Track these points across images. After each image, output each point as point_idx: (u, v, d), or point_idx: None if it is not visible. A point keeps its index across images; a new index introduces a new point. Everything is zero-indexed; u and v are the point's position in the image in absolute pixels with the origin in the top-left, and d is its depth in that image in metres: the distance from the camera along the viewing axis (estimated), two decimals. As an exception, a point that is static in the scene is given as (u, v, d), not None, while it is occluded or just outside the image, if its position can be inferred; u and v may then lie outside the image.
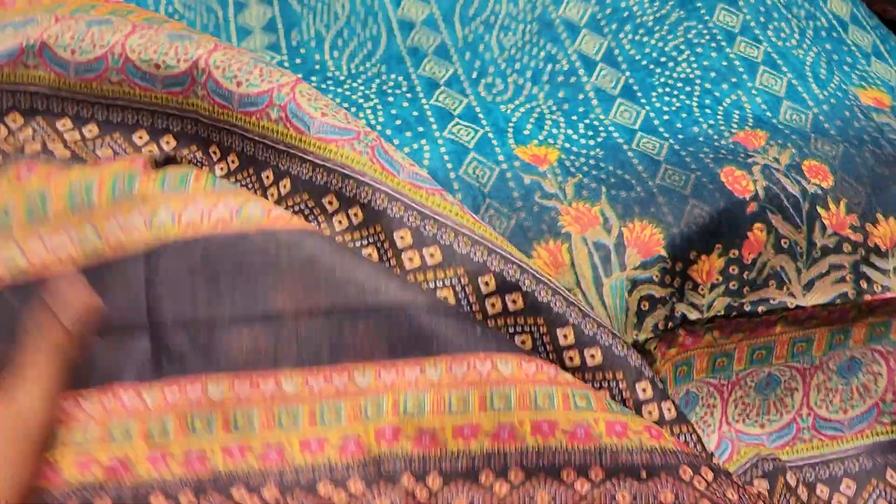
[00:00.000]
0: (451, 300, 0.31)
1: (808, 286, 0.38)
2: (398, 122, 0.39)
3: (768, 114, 0.42)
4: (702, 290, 0.37)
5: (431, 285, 0.31)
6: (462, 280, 0.31)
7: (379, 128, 0.39)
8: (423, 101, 0.41)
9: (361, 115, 0.40)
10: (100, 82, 0.36)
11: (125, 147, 0.37)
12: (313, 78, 0.42)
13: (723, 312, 0.37)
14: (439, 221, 0.32)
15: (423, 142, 0.38)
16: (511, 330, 0.32)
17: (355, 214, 0.32)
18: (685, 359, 0.37)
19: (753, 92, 0.43)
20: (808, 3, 0.49)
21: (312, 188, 0.33)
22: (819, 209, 0.38)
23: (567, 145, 0.39)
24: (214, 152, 0.36)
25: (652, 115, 0.41)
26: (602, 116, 0.41)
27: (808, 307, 0.38)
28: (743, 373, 0.39)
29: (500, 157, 0.38)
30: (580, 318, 0.31)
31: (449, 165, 0.37)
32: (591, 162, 0.38)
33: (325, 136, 0.32)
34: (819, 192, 0.38)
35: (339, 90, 0.41)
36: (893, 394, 0.40)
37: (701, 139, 0.39)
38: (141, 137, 0.37)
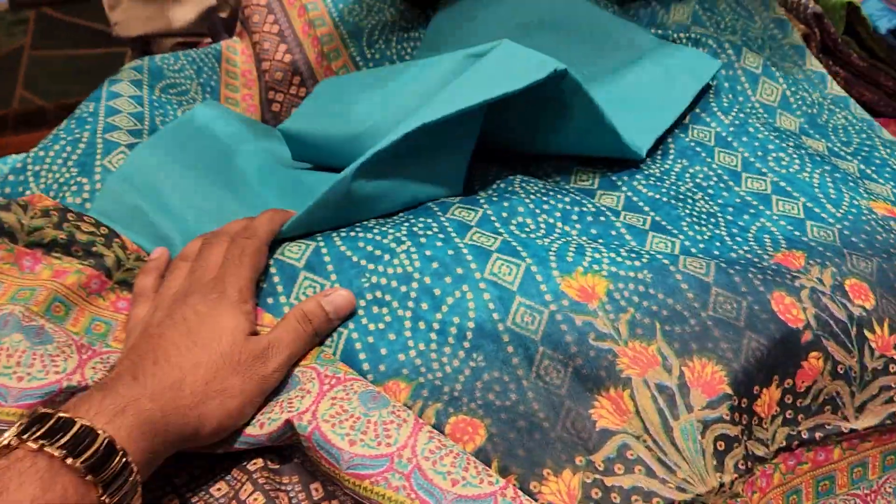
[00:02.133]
0: None
1: (860, 409, 0.38)
2: (434, 264, 0.38)
3: (797, 233, 0.42)
4: (765, 424, 0.36)
5: None
6: None
7: (417, 275, 0.38)
8: (457, 240, 0.40)
9: (396, 261, 0.38)
10: None
11: None
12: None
13: (784, 444, 0.36)
14: None
15: (465, 287, 0.37)
16: None
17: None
18: (766, 503, 0.36)
19: (775, 217, 0.43)
20: (793, 137, 0.50)
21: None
22: (866, 332, 0.38)
23: (613, 269, 0.38)
24: None
25: (687, 243, 0.41)
26: (639, 248, 0.41)
27: (861, 430, 0.38)
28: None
29: (548, 297, 0.37)
30: None
31: (496, 316, 0.36)
32: (641, 289, 0.37)
33: (356, 471, 0.30)
34: (864, 313, 0.38)
35: (369, 236, 0.40)
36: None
37: (742, 262, 0.39)
38: None
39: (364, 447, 0.31)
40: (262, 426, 0.33)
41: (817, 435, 0.37)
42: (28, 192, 0.46)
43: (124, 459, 0.28)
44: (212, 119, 0.52)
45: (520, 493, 0.31)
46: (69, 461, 0.27)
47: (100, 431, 0.28)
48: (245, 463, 0.34)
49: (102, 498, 0.27)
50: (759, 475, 0.36)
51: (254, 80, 0.62)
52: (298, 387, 0.34)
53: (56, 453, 0.27)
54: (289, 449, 0.34)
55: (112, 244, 0.41)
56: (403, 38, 0.62)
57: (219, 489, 0.33)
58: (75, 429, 0.27)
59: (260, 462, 0.34)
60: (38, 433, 0.27)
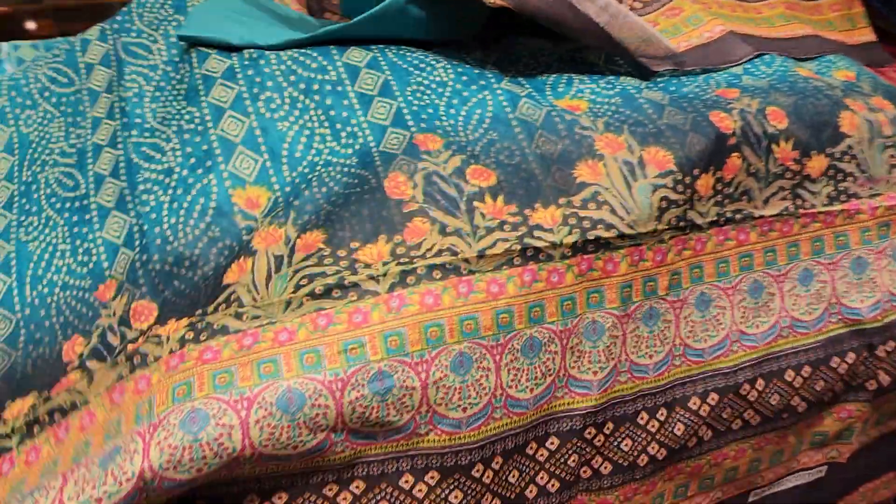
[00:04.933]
0: None
1: (766, 202, 0.52)
2: (464, 77, 0.51)
3: (734, 81, 0.55)
4: (704, 201, 0.49)
5: None
6: None
7: (450, 83, 0.50)
8: (477, 66, 0.53)
9: (436, 72, 0.51)
10: None
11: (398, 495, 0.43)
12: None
13: (715, 218, 0.50)
14: None
15: (486, 92, 0.50)
16: None
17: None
18: (697, 262, 0.49)
19: (720, 73, 0.57)
20: None
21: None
22: (773, 146, 0.51)
23: (592, 96, 0.51)
24: None
25: (654, 78, 0.55)
26: (614, 80, 0.54)
27: (767, 216, 0.51)
28: (736, 278, 0.51)
29: (544, 104, 0.50)
30: None
31: (507, 110, 0.49)
32: (613, 107, 0.50)
33: None
34: (775, 132, 0.51)
35: (413, 54, 0.53)
36: (836, 298, 0.53)
37: (691, 95, 0.53)
38: (407, 481, 0.43)
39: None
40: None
41: (737, 216, 0.50)
42: (133, 28, 0.57)
43: None
44: None
45: None
46: None
47: None
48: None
49: None
50: (696, 240, 0.49)
51: None
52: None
53: None
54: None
55: None
56: None
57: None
58: None
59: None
60: None
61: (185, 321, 0.41)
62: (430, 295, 0.42)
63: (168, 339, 0.41)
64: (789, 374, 0.52)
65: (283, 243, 0.42)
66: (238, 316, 0.41)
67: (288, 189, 0.45)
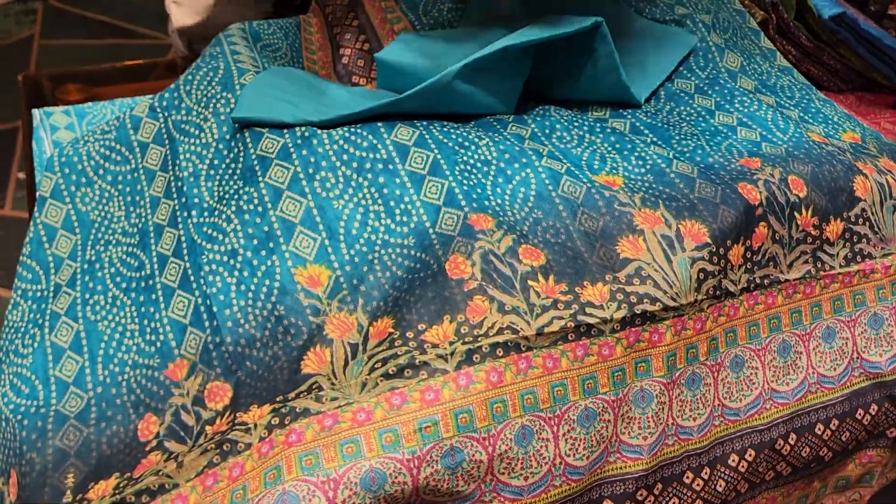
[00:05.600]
0: None
1: (790, 266, 0.55)
2: (507, 155, 0.54)
3: (755, 149, 0.59)
4: (735, 269, 0.52)
5: None
6: None
7: (494, 161, 0.54)
8: (518, 143, 0.56)
9: (479, 151, 0.54)
10: None
11: None
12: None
13: (745, 285, 0.53)
14: None
15: (528, 170, 0.53)
16: None
17: None
18: (731, 327, 0.53)
19: (739, 139, 0.60)
20: (750, 93, 0.67)
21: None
22: (795, 213, 0.55)
23: (626, 173, 0.55)
24: None
25: (676, 154, 0.58)
26: (644, 155, 0.57)
27: (791, 280, 0.55)
28: (766, 339, 0.54)
29: (584, 180, 0.53)
30: None
31: (550, 187, 0.52)
32: (646, 184, 0.54)
33: None
34: (797, 200, 0.55)
35: (458, 132, 0.56)
36: (858, 353, 0.57)
37: (717, 165, 0.56)
38: None
39: None
40: None
41: (765, 281, 0.54)
42: (182, 106, 0.60)
43: None
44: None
45: None
46: None
47: None
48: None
49: None
50: (729, 306, 0.52)
51: (326, 44, 0.77)
52: None
53: None
54: None
55: None
56: (451, 8, 0.78)
57: None
58: None
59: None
60: None
61: (268, 407, 0.44)
62: (494, 372, 0.45)
63: (255, 426, 0.43)
64: (819, 428, 0.55)
65: (357, 331, 0.45)
66: (318, 399, 0.43)
67: (348, 268, 0.48)
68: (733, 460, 0.52)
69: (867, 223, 0.58)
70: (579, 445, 0.46)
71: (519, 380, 0.45)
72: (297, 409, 0.43)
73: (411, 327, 0.46)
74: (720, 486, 0.52)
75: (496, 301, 0.47)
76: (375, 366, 0.45)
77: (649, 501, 0.50)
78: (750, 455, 0.53)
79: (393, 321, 0.46)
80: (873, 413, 0.56)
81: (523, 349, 0.46)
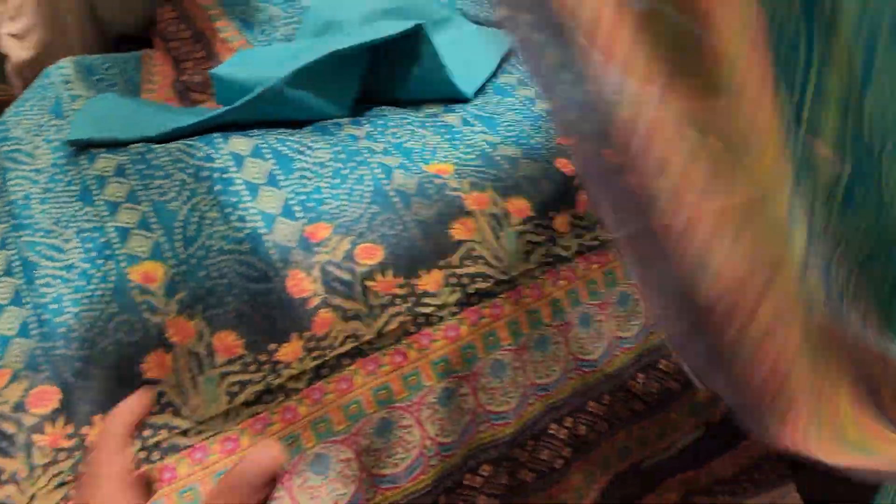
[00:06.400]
0: None
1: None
2: (342, 155, 0.57)
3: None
4: (565, 238, 0.57)
5: None
6: None
7: (331, 162, 0.56)
8: (353, 143, 0.59)
9: (317, 153, 0.57)
10: None
11: None
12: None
13: (577, 249, 0.57)
14: None
15: (364, 168, 0.56)
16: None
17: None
18: (572, 288, 0.57)
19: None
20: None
21: None
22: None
23: (455, 160, 0.58)
24: None
25: (499, 138, 0.63)
26: (473, 142, 0.61)
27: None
28: (605, 293, 0.58)
29: (416, 171, 0.56)
30: None
31: (384, 181, 0.55)
32: (475, 168, 0.58)
33: None
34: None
35: (295, 138, 0.58)
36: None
37: (538, 146, 0.61)
38: None
39: None
40: None
41: (596, 241, 0.58)
42: (11, 137, 0.59)
43: None
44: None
45: None
46: None
47: None
48: None
49: None
50: (566, 270, 0.56)
51: (170, 76, 0.78)
52: None
53: None
54: None
55: None
56: (287, 24, 0.80)
57: None
58: None
59: None
60: None
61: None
62: (344, 381, 0.48)
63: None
64: (662, 363, 0.60)
65: (197, 339, 0.46)
66: (184, 433, 0.45)
67: (185, 268, 0.49)
68: (592, 406, 0.57)
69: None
70: (445, 423, 0.49)
71: (370, 380, 0.48)
72: (164, 446, 0.44)
73: (262, 349, 0.47)
74: (581, 430, 0.56)
75: (339, 309, 0.49)
76: (232, 390, 0.46)
77: (523, 457, 0.53)
78: (606, 399, 0.57)
79: (241, 340, 0.47)
80: None
81: (369, 353, 0.49)
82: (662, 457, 0.67)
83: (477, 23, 0.79)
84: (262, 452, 0.30)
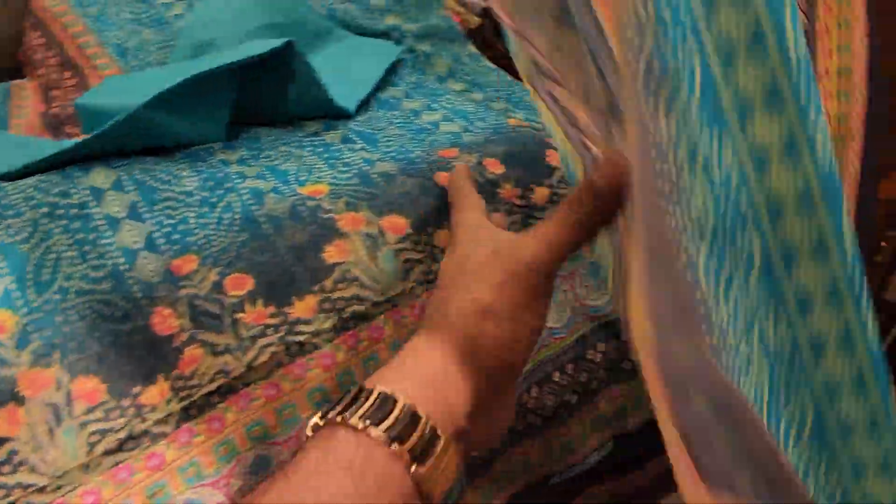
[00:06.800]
0: None
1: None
2: (210, 183, 0.54)
3: (455, 140, 0.63)
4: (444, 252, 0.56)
5: None
6: None
7: (196, 191, 0.54)
8: (224, 168, 0.56)
9: (183, 181, 0.54)
10: None
11: None
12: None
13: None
14: None
15: (233, 195, 0.54)
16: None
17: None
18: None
19: (442, 132, 0.65)
20: (462, 93, 0.72)
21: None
22: (497, 189, 0.58)
23: (332, 180, 0.57)
24: None
25: (385, 149, 0.61)
26: (350, 160, 0.60)
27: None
28: None
29: (289, 194, 0.55)
30: None
31: (254, 207, 0.53)
32: (351, 188, 0.56)
33: None
34: (494, 177, 0.59)
35: (161, 166, 0.55)
36: (579, 301, 0.62)
37: (418, 160, 0.60)
38: None
39: None
40: None
41: None
42: None
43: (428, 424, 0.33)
44: None
45: None
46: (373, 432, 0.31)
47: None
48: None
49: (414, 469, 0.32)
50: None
51: (40, 106, 0.75)
52: None
53: (359, 425, 0.32)
54: None
55: None
56: (159, 49, 0.77)
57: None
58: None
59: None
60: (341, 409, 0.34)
61: None
62: (214, 420, 0.45)
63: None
64: (556, 375, 0.59)
65: (55, 389, 0.44)
66: (40, 490, 0.42)
67: (38, 316, 0.46)
68: None
69: (569, 185, 0.63)
70: None
71: (242, 416, 0.46)
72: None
73: (126, 393, 0.45)
74: None
75: (208, 345, 0.47)
76: (92, 439, 0.44)
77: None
78: None
79: (104, 385, 0.45)
80: (603, 351, 0.61)
81: (239, 388, 0.47)
82: (575, 471, 0.66)
83: (360, 33, 0.77)
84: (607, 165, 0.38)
